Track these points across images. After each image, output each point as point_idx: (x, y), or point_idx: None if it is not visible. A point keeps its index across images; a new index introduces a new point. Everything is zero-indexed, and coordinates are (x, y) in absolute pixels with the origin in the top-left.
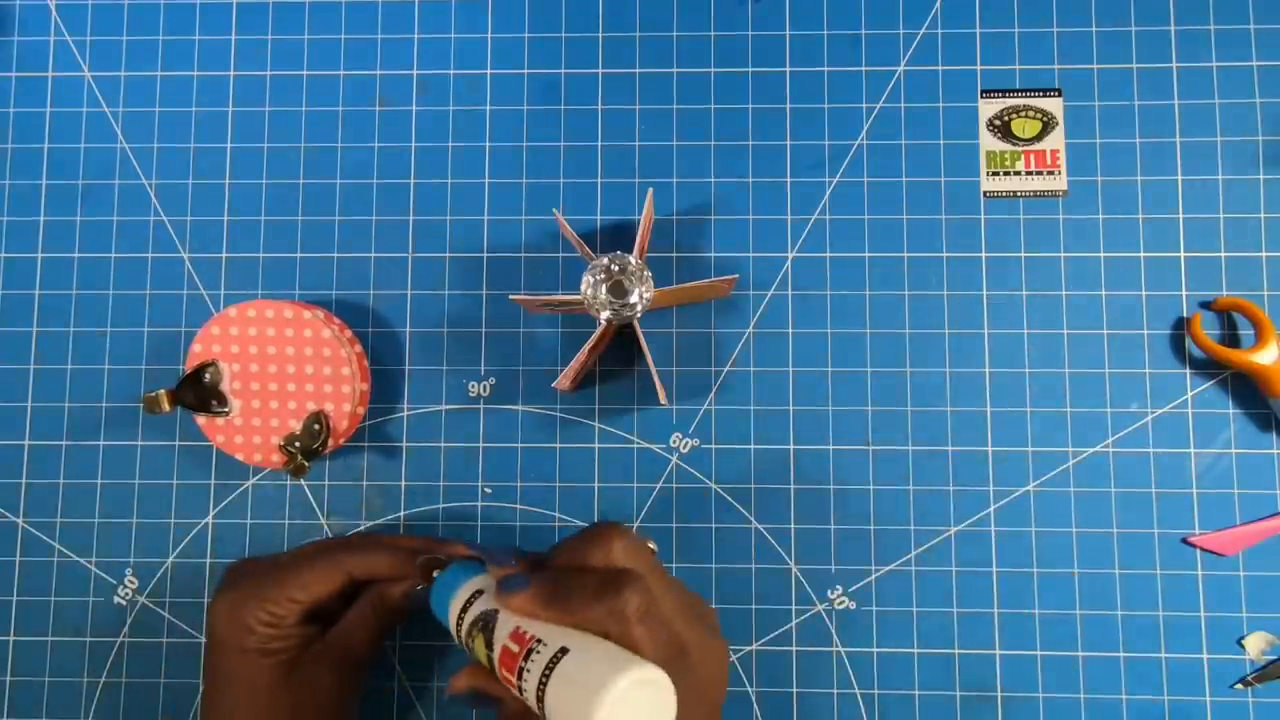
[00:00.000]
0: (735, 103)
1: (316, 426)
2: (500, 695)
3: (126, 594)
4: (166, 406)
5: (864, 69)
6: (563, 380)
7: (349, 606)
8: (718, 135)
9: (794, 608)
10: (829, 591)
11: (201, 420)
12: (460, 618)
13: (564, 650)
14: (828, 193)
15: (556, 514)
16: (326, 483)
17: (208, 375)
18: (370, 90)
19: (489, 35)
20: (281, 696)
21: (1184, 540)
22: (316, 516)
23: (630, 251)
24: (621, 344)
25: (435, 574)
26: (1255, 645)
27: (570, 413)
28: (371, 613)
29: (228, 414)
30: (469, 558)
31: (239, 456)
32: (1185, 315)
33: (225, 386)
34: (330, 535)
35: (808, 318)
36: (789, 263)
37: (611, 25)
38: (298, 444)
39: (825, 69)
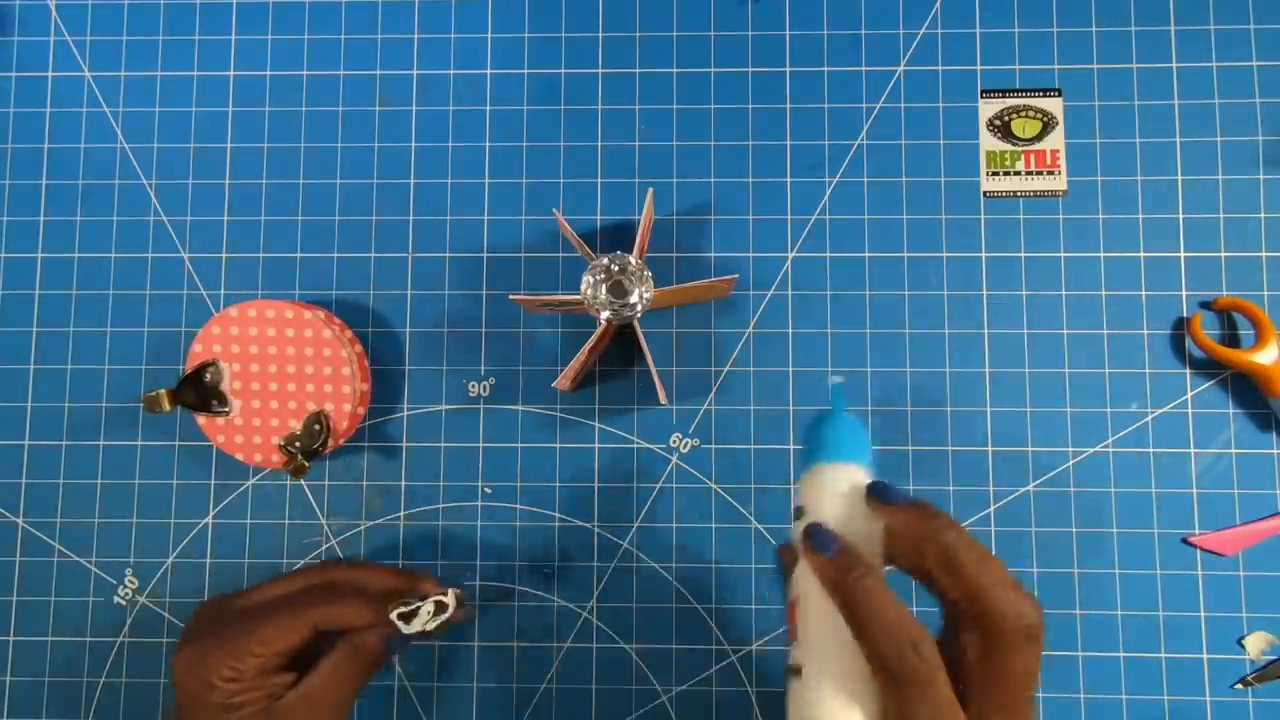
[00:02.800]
0: (735, 103)
1: (316, 426)
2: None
3: (126, 594)
4: (167, 406)
5: (864, 69)
6: (563, 380)
7: (321, 646)
8: (718, 135)
9: None
10: None
11: (202, 420)
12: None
13: (799, 669)
14: (828, 193)
15: (556, 514)
16: (326, 483)
17: (208, 375)
18: (370, 90)
19: (489, 35)
20: None
21: (1184, 540)
22: (316, 516)
23: (630, 251)
24: (621, 344)
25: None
26: (1255, 645)
27: (570, 413)
28: (348, 664)
29: (228, 414)
30: (438, 597)
31: (239, 456)
32: (1185, 315)
33: (225, 386)
34: (329, 531)
35: (808, 318)
36: (789, 263)
37: (611, 25)
38: (298, 444)
39: (825, 69)
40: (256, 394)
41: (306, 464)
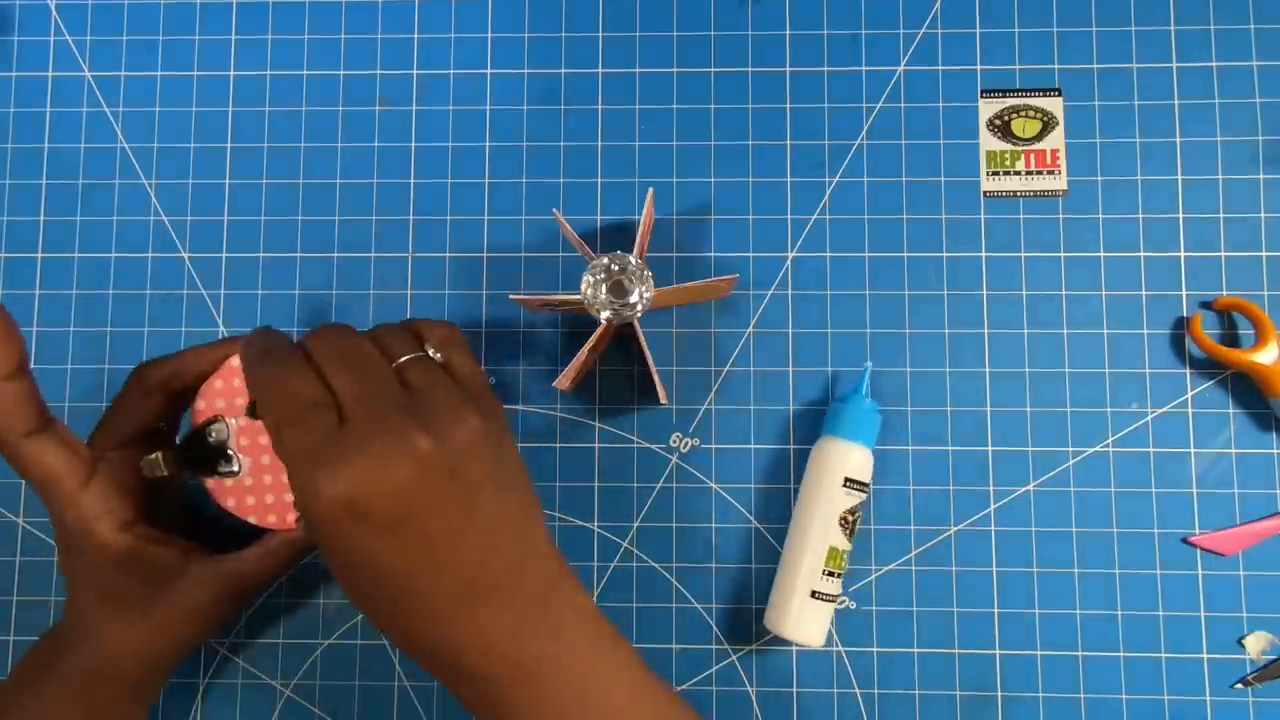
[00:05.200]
0: (735, 103)
1: None
2: None
3: None
4: (166, 470)
5: (864, 69)
6: (563, 380)
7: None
8: (718, 135)
9: None
10: None
11: (210, 484)
12: None
13: None
14: (828, 193)
15: (557, 514)
16: None
17: (212, 434)
18: (370, 90)
19: (489, 35)
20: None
21: (1184, 540)
22: None
23: (630, 251)
24: (621, 344)
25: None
26: (1255, 645)
27: (570, 413)
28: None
29: (237, 474)
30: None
31: (252, 519)
32: (1185, 315)
33: (232, 444)
34: None
35: (808, 318)
36: (789, 263)
37: (611, 25)
38: None
39: (825, 69)
40: (266, 448)
41: None
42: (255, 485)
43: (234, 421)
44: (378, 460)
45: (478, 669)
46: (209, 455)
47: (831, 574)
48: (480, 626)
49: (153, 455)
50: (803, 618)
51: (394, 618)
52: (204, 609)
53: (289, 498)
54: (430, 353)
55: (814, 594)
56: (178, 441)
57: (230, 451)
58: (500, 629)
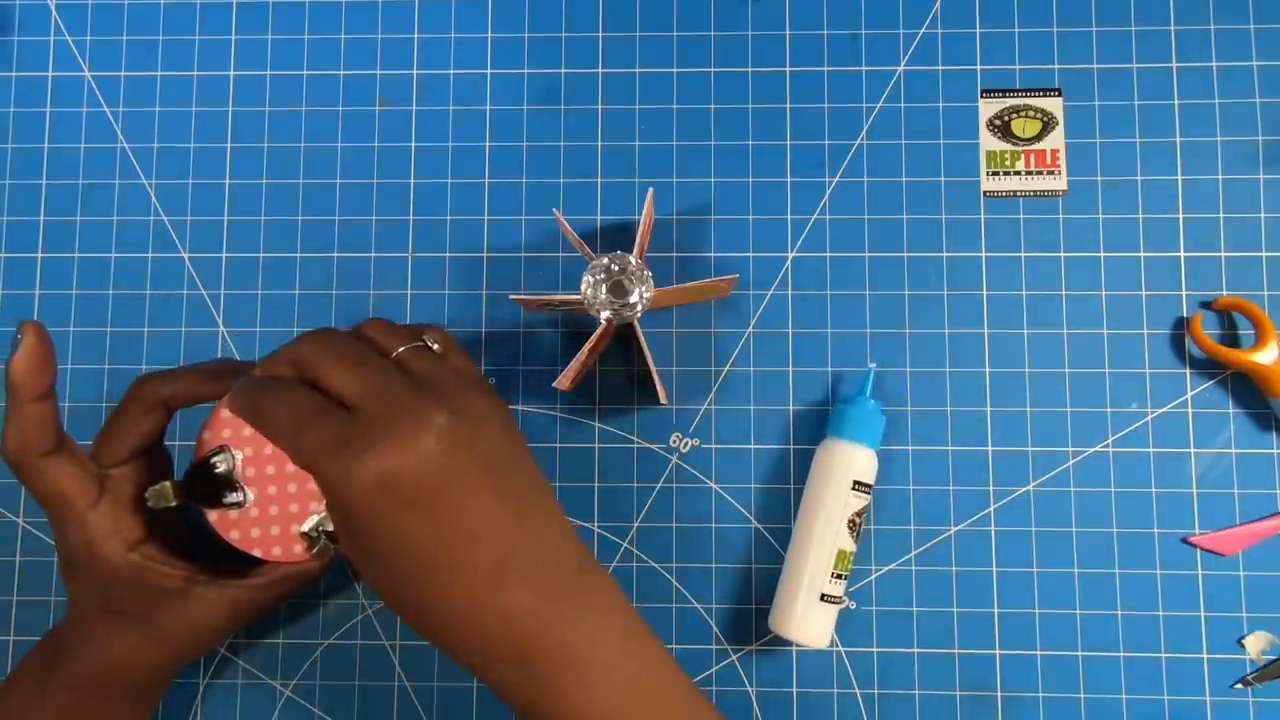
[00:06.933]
0: (735, 103)
1: None
2: None
3: None
4: (173, 500)
5: (864, 69)
6: (563, 380)
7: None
8: (718, 135)
9: None
10: None
11: (214, 516)
12: None
13: None
14: (828, 193)
15: None
16: None
17: (219, 464)
18: (370, 90)
19: (489, 35)
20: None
21: (1184, 540)
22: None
23: (630, 251)
24: (621, 344)
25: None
26: (1255, 645)
27: (570, 413)
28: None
29: (243, 505)
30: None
31: (257, 552)
32: (1185, 315)
33: (238, 474)
34: None
35: (808, 318)
36: (789, 263)
37: (611, 25)
38: (323, 529)
39: (825, 69)
40: (273, 479)
41: (333, 545)
42: (261, 517)
43: (239, 453)
44: (401, 436)
45: (517, 653)
46: (214, 486)
47: (838, 576)
48: (519, 604)
49: (159, 486)
50: (810, 619)
51: (431, 604)
52: (206, 629)
53: (295, 529)
54: (430, 344)
55: (823, 596)
56: (184, 472)
57: (237, 482)
58: (539, 609)
